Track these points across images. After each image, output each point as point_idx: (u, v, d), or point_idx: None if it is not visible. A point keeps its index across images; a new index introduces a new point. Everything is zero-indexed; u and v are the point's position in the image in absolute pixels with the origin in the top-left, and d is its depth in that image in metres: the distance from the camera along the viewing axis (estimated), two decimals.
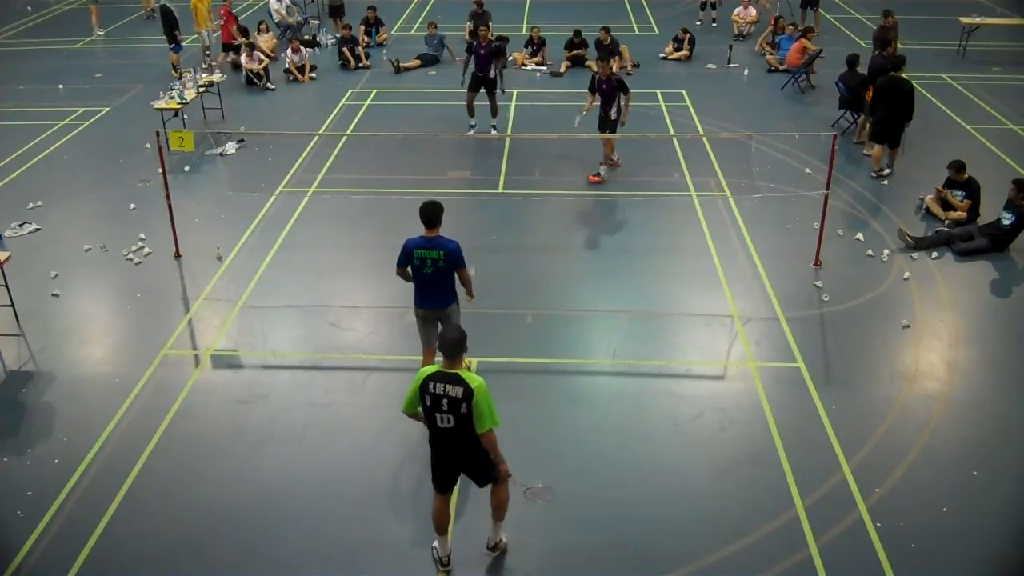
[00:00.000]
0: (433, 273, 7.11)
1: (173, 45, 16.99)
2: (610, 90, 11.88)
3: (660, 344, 8.75)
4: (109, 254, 10.37)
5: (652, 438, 7.31)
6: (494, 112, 13.71)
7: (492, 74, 13.37)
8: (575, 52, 17.58)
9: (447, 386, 5.41)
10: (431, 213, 7.03)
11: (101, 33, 18.10)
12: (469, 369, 6.60)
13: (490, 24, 19.22)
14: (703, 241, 10.55)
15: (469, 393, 5.36)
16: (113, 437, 7.35)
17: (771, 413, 7.56)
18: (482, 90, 13.52)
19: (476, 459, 5.68)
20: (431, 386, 5.45)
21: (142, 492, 6.77)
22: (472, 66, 13.43)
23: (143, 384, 8.02)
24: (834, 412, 7.56)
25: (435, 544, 6.09)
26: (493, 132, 13.73)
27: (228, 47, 17.62)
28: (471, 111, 13.75)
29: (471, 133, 13.74)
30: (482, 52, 13.22)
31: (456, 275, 7.23)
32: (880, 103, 12.13)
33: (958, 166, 10.82)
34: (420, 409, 5.60)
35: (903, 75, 12.10)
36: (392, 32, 20.13)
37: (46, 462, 7.08)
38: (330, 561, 6.17)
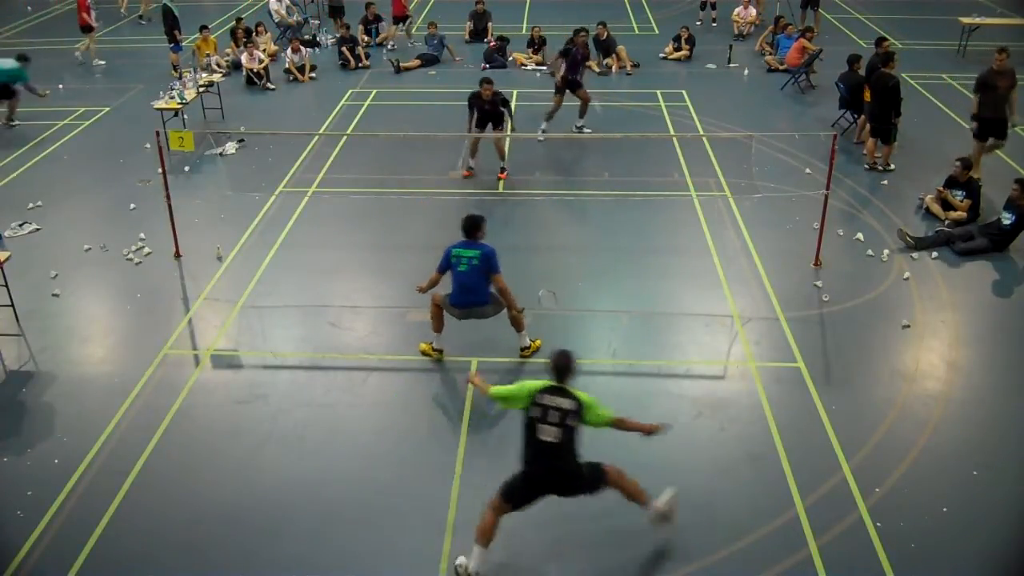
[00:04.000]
0: (468, 271, 7.78)
1: (173, 45, 16.99)
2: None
3: (660, 344, 8.75)
4: (109, 254, 10.37)
5: (652, 438, 7.28)
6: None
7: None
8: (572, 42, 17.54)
9: (558, 397, 5.72)
10: (469, 223, 7.88)
11: (101, 63, 17.97)
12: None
13: (490, 24, 19.29)
14: (703, 241, 10.55)
15: (580, 405, 5.69)
16: (113, 437, 7.35)
17: (771, 413, 7.56)
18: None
19: (571, 474, 5.76)
20: (541, 397, 5.73)
21: (142, 492, 6.77)
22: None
23: (143, 384, 8.02)
24: (834, 412, 7.56)
25: (460, 561, 5.86)
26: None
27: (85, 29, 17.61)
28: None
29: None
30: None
31: (492, 282, 7.82)
32: (872, 99, 12.32)
33: (966, 163, 10.81)
34: (519, 406, 5.81)
35: (891, 71, 12.14)
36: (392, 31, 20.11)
37: (46, 462, 7.08)
38: (330, 561, 6.17)
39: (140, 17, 21.68)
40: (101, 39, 20.16)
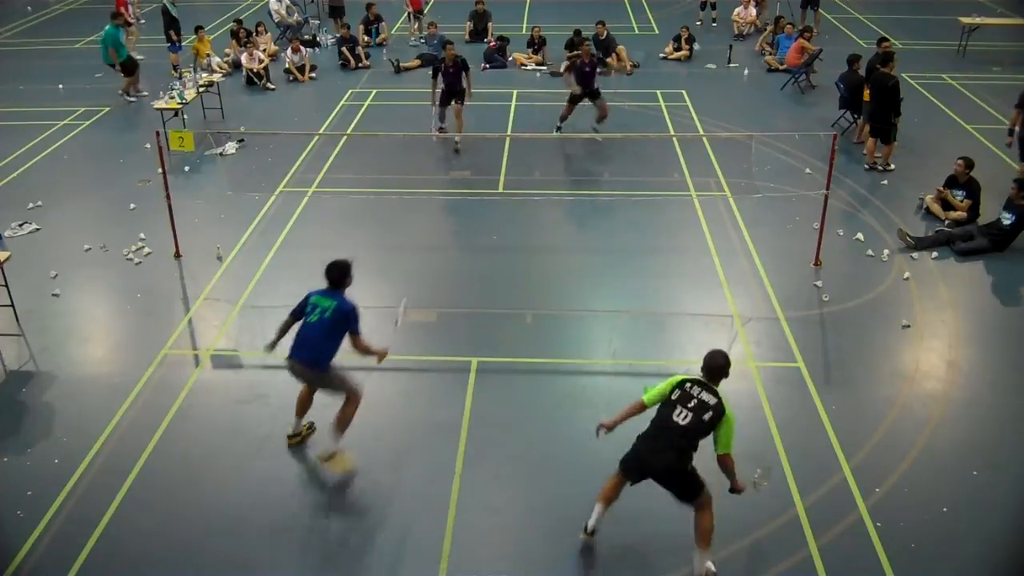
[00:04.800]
0: (316, 323, 6.53)
1: (170, 45, 16.99)
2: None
3: (660, 344, 8.75)
4: (109, 254, 10.37)
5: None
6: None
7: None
8: (575, 52, 17.57)
9: (704, 391, 5.74)
10: (333, 271, 6.63)
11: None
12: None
13: (490, 24, 19.32)
14: (703, 241, 10.55)
15: (721, 410, 5.67)
16: (113, 437, 7.35)
17: (771, 413, 7.56)
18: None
19: (680, 468, 5.74)
20: (688, 385, 5.78)
21: (142, 492, 6.78)
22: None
23: (143, 384, 8.02)
24: (834, 412, 7.56)
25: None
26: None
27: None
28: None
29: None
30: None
31: (350, 340, 6.59)
32: (872, 99, 12.32)
33: (967, 161, 10.80)
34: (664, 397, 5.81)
35: (890, 71, 12.15)
36: (392, 32, 20.10)
37: (46, 462, 7.08)
38: (329, 561, 6.17)
39: (137, 20, 21.69)
40: (99, 39, 20.15)
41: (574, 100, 13.43)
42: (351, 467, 6.81)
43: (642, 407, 5.94)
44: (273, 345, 6.90)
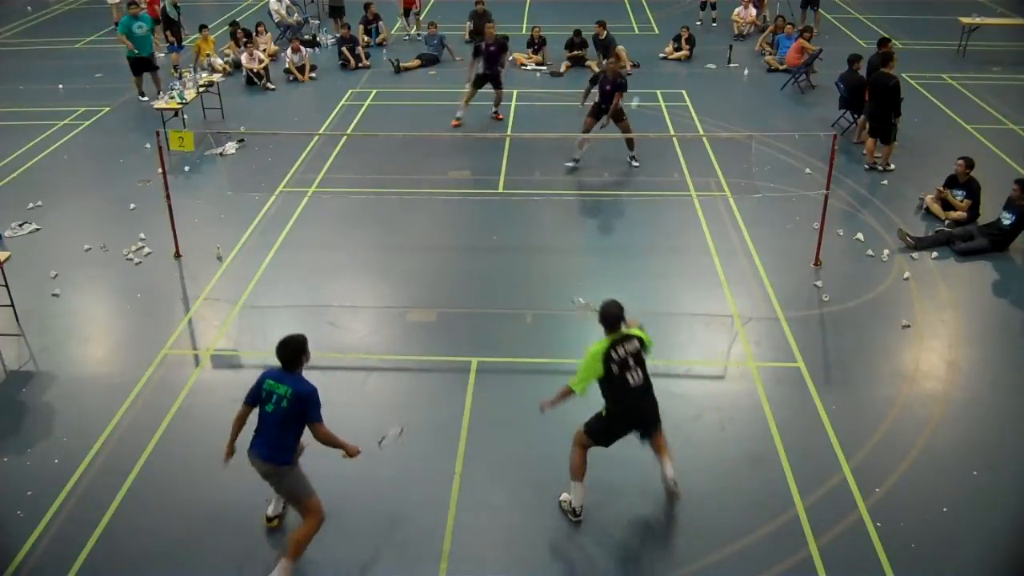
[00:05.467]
0: (274, 413, 5.70)
1: (168, 45, 16.98)
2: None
3: (660, 344, 8.67)
4: (109, 254, 10.37)
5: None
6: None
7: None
8: (575, 52, 17.60)
9: (624, 344, 6.03)
10: (286, 349, 5.74)
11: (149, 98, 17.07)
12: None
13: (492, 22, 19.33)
14: (703, 241, 10.55)
15: (642, 341, 6.13)
16: (113, 437, 7.35)
17: (771, 413, 7.56)
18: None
19: (656, 407, 6.22)
20: (614, 353, 5.98)
21: (142, 492, 6.78)
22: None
23: (143, 384, 8.02)
24: (834, 412, 7.56)
25: (563, 497, 6.40)
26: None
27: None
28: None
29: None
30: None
31: (311, 430, 5.77)
32: (871, 99, 12.32)
33: (967, 161, 10.79)
34: (598, 381, 6.02)
35: (891, 71, 12.15)
36: (391, 32, 20.11)
37: (46, 462, 7.08)
38: (330, 561, 6.17)
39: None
40: (100, 39, 20.19)
41: (593, 115, 12.50)
42: None
43: (570, 392, 6.12)
44: (230, 450, 5.97)
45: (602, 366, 5.98)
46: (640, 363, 6.08)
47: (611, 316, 6.10)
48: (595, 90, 12.62)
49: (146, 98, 15.42)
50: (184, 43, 17.32)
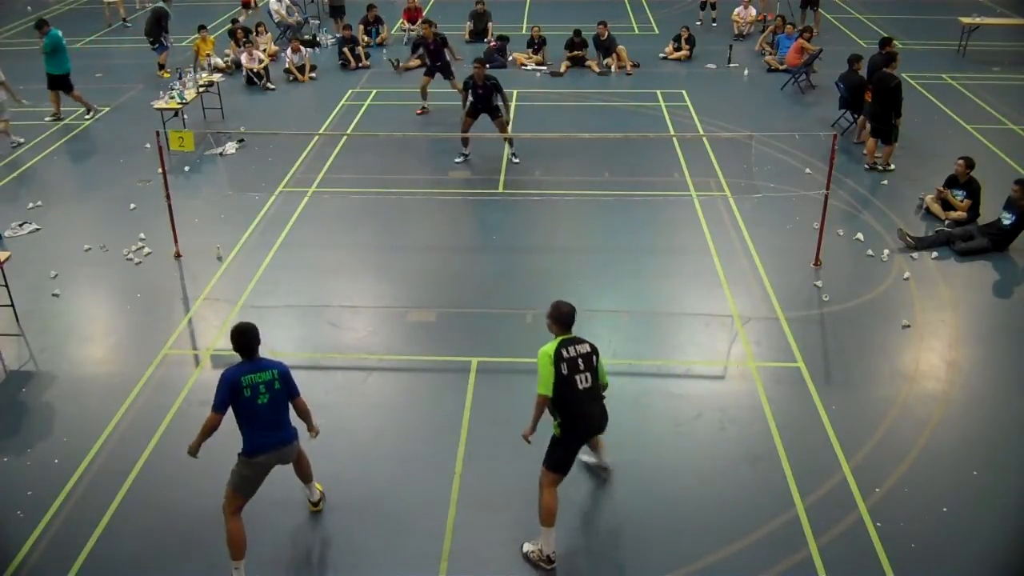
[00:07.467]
0: (270, 400, 5.79)
1: (156, 45, 16.95)
2: (485, 93, 12.21)
3: (660, 344, 8.75)
4: (109, 254, 10.37)
5: (652, 438, 7.31)
6: (507, 136, 12.84)
7: (495, 103, 12.64)
8: (575, 52, 17.59)
9: (574, 345, 5.90)
10: (241, 337, 5.84)
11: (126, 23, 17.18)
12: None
13: (490, 24, 19.31)
14: (703, 241, 10.55)
15: (595, 347, 5.98)
16: (113, 437, 7.35)
17: (771, 413, 7.56)
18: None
19: (604, 409, 6.08)
20: (565, 352, 5.84)
21: (142, 492, 6.78)
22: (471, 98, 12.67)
23: (143, 384, 8.02)
24: (834, 412, 7.56)
25: (532, 548, 6.09)
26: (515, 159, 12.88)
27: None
28: (464, 142, 12.92)
29: (458, 160, 12.93)
30: (480, 92, 12.51)
31: (294, 404, 5.96)
32: (873, 99, 12.34)
33: (968, 161, 10.79)
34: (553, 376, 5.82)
35: (892, 72, 12.15)
36: (392, 32, 20.09)
37: (46, 462, 7.08)
38: (330, 561, 6.17)
39: (124, 21, 21.72)
40: (99, 39, 20.20)
41: (470, 113, 12.63)
42: None
43: (546, 400, 5.91)
44: (196, 449, 5.99)
45: (555, 366, 5.83)
46: (590, 368, 5.89)
47: (563, 316, 5.97)
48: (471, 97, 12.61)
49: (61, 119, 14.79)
50: (167, 44, 17.23)
